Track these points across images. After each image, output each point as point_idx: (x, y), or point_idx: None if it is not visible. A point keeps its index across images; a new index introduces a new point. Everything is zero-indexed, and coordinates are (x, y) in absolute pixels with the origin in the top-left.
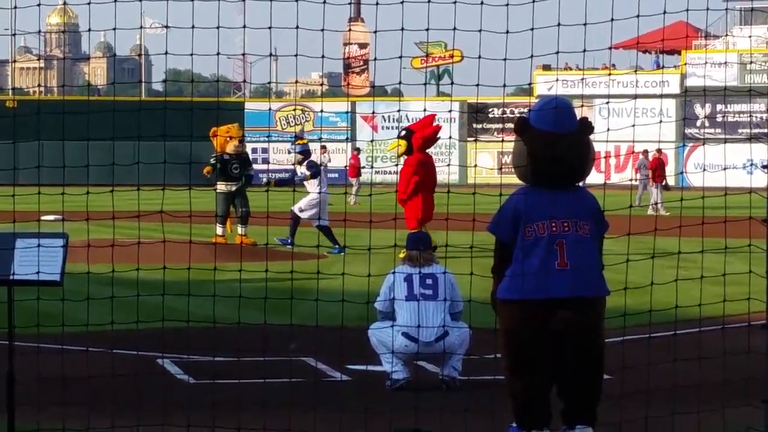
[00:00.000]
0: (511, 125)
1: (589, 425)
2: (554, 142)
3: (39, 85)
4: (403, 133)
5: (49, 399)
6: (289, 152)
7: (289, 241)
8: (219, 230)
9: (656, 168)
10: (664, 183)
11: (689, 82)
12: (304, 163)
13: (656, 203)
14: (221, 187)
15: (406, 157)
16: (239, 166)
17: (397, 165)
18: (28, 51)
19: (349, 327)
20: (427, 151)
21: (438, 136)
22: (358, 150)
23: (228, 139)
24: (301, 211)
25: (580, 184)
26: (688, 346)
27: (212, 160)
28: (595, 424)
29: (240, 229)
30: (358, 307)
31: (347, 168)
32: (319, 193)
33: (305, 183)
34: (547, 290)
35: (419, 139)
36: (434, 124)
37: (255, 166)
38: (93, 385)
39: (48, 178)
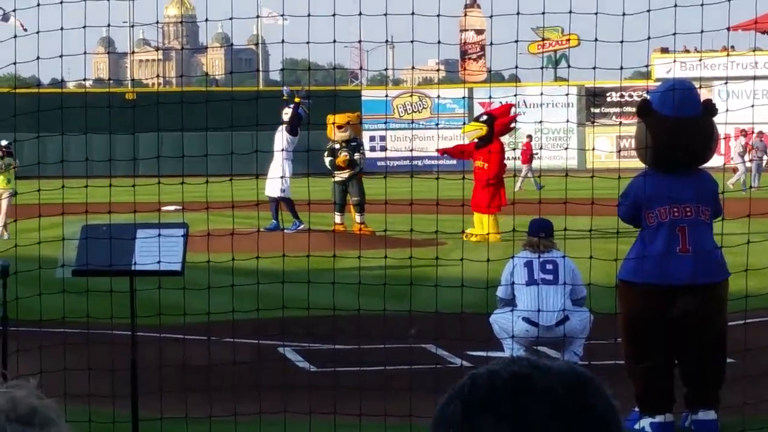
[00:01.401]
0: (629, 109)
1: (711, 409)
2: (677, 127)
3: (158, 76)
4: (485, 117)
5: (172, 387)
6: (294, 106)
7: (299, 224)
8: (337, 218)
9: None
10: None
11: None
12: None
13: None
14: (336, 176)
15: (477, 141)
16: (348, 153)
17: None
18: (146, 43)
19: (469, 313)
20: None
21: (513, 125)
22: (530, 137)
23: (333, 126)
24: (284, 191)
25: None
26: None
27: (326, 153)
28: (718, 408)
29: (357, 218)
30: (477, 293)
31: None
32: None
33: (285, 139)
34: (668, 277)
35: (501, 125)
36: (513, 112)
37: (373, 154)
38: (214, 374)
39: (168, 169)
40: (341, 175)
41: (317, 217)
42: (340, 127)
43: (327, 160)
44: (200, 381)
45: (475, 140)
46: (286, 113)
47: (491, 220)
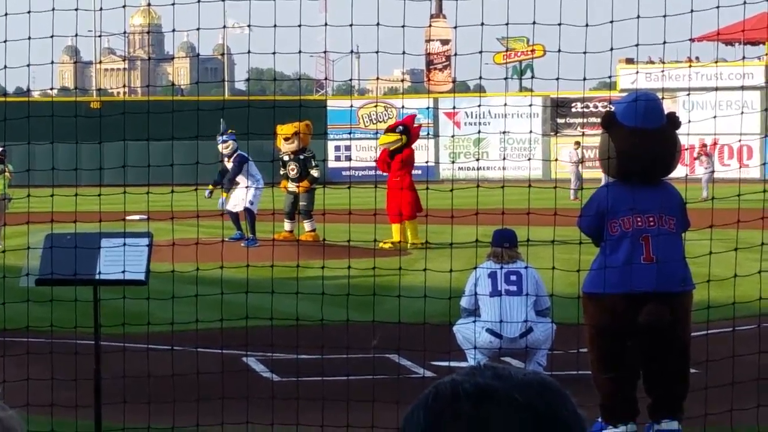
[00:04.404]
0: (593, 120)
1: (675, 419)
2: (640, 138)
3: (123, 86)
4: (401, 128)
5: (135, 397)
6: (219, 143)
7: (253, 239)
8: (287, 226)
9: None
10: None
11: None
12: (234, 157)
13: None
14: (289, 187)
15: (392, 150)
16: (296, 167)
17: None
18: (112, 52)
19: (432, 323)
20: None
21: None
22: None
23: (280, 136)
24: (252, 204)
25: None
26: None
27: (281, 164)
28: (681, 418)
29: (307, 225)
30: (440, 303)
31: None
32: (257, 188)
33: (238, 179)
34: (631, 285)
35: (416, 134)
36: (417, 123)
37: (338, 164)
38: (178, 384)
39: (133, 178)
40: (293, 188)
41: (280, 226)
42: (287, 139)
43: (281, 173)
44: (164, 391)
45: (389, 149)
46: (226, 147)
47: (412, 226)
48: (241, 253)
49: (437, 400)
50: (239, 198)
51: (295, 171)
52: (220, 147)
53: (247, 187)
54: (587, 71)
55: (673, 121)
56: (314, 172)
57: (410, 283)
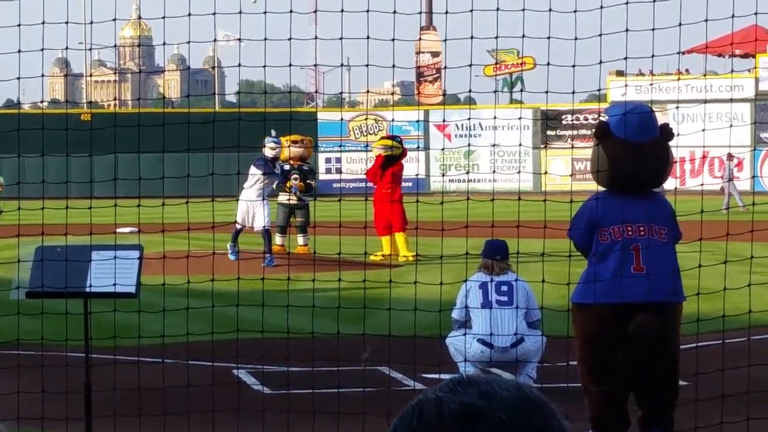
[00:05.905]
0: (584, 132)
1: (665, 431)
2: (634, 151)
3: (114, 98)
4: (399, 140)
5: (125, 410)
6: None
7: (271, 260)
8: (278, 239)
9: None
10: None
11: (763, 86)
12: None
13: None
14: (281, 197)
15: (384, 158)
16: (299, 176)
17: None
18: (102, 64)
19: (422, 335)
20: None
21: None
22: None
23: (287, 147)
24: (268, 222)
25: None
26: (761, 352)
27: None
28: (671, 430)
29: (300, 239)
30: (430, 315)
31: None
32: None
33: (257, 183)
34: (621, 295)
35: (405, 152)
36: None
37: (328, 176)
38: (168, 396)
39: (124, 190)
40: (287, 200)
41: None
42: (295, 142)
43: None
44: (154, 404)
45: (382, 155)
46: (272, 149)
47: (403, 239)
48: (232, 266)
49: (422, 422)
50: (260, 215)
51: (298, 181)
52: (268, 149)
53: (262, 199)
54: (577, 84)
55: (666, 132)
56: (310, 181)
57: (400, 295)
